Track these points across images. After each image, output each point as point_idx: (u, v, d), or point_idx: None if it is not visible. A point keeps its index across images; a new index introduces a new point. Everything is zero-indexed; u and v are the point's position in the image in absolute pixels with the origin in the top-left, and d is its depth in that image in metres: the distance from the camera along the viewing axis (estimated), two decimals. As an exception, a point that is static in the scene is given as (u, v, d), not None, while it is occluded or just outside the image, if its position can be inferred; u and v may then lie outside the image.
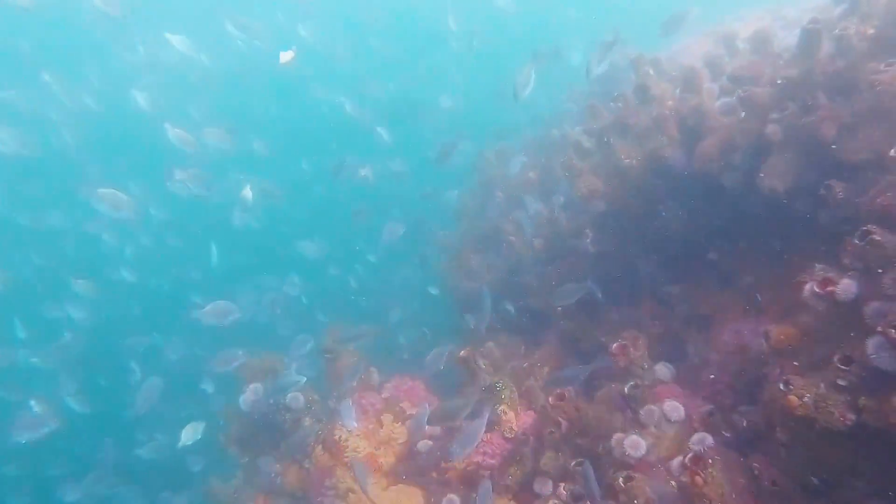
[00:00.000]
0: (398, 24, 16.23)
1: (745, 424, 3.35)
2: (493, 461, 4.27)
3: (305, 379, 5.03)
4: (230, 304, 5.87)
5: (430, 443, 4.82)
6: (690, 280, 5.18)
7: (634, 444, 3.67)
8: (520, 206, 6.48)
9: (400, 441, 4.74)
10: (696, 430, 3.70)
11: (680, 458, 3.35)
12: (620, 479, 3.41)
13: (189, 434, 6.27)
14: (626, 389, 3.91)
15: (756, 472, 3.06)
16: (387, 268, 11.64)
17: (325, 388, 5.45)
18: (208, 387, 8.74)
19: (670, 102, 4.21)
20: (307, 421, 5.19)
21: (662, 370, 4.43)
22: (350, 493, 4.52)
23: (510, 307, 6.22)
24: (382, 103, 13.14)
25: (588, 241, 5.93)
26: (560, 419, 4.04)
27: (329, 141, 14.51)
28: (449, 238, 8.22)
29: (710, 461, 3.07)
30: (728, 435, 3.57)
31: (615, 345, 4.25)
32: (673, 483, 3.39)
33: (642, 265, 5.53)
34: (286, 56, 7.30)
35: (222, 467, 5.37)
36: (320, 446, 5.10)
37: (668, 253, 5.17)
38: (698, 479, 3.02)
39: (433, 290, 7.95)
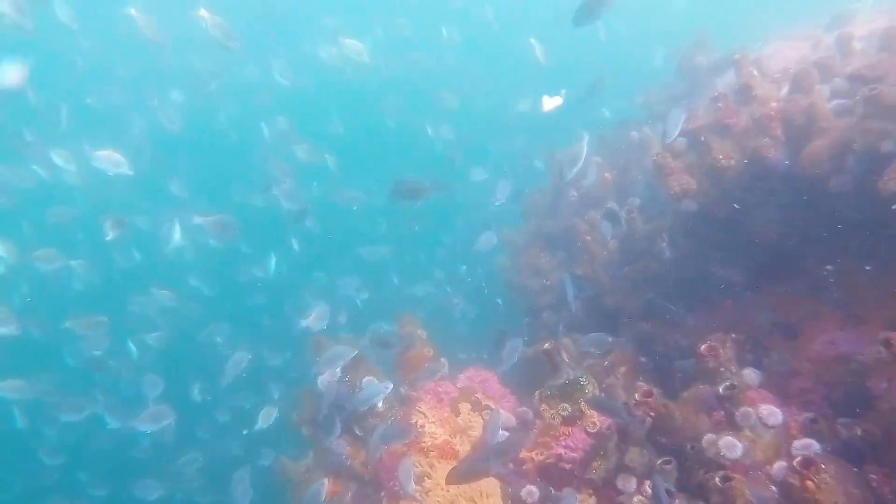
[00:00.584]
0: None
1: (859, 434, 3.24)
2: (574, 454, 4.24)
3: (392, 386, 5.04)
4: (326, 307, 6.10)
5: (506, 433, 4.82)
6: (776, 287, 5.07)
7: (730, 446, 3.60)
8: (596, 206, 6.44)
9: (476, 431, 4.74)
10: (794, 437, 3.61)
11: (783, 462, 3.27)
12: (717, 479, 3.35)
13: (265, 418, 6.40)
14: (721, 390, 3.83)
15: (874, 483, 2.97)
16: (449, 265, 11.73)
17: (397, 376, 5.50)
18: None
19: (775, 103, 4.13)
20: (381, 406, 5.23)
21: (750, 375, 4.34)
22: (426, 479, 4.54)
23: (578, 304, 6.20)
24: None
25: (664, 244, 5.87)
26: (646, 416, 3.99)
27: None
28: (514, 236, 8.20)
29: (822, 466, 2.99)
30: (831, 445, 3.47)
31: (704, 346, 4.18)
32: (773, 487, 3.31)
33: (723, 270, 5.45)
34: (552, 102, 7.10)
35: (294, 448, 5.44)
36: (393, 431, 5.16)
37: (755, 258, 5.07)
38: (810, 484, 2.95)
39: (499, 300, 8.02)
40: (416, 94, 13.76)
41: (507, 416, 5.00)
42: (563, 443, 4.31)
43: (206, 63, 13.26)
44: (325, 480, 5.48)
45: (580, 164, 5.06)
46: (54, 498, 9.65)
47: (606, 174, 6.78)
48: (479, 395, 5.08)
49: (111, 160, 6.92)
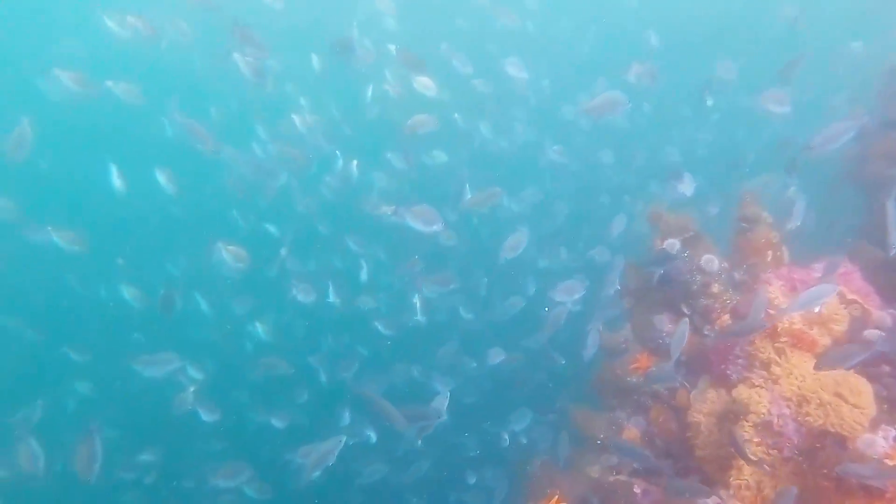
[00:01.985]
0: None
1: None
2: None
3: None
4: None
5: (881, 333, 4.14)
6: None
7: None
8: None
9: (840, 325, 4.14)
10: None
11: None
12: None
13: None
14: None
15: None
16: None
17: (735, 259, 5.04)
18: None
19: None
20: (716, 287, 4.88)
21: None
22: (773, 366, 4.14)
23: None
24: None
25: None
26: None
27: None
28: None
29: None
30: None
31: None
32: None
33: None
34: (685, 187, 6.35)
35: (614, 319, 5.41)
36: (728, 315, 4.80)
37: None
38: None
39: None
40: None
41: (879, 315, 4.28)
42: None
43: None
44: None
45: None
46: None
47: None
48: (842, 289, 4.40)
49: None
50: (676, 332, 4.58)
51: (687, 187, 6.07)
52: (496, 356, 7.48)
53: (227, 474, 7.53)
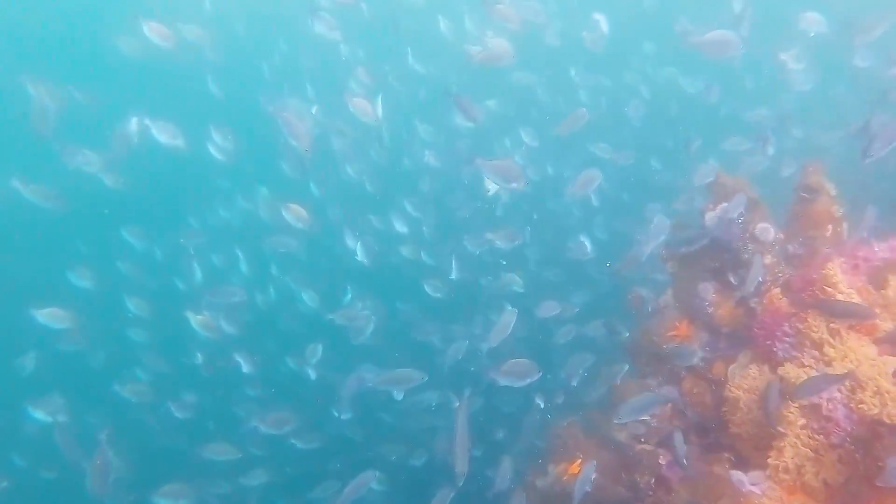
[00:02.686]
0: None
1: None
2: None
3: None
4: None
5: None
6: None
7: None
8: None
9: (907, 309, 3.87)
10: None
11: None
12: None
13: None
14: None
15: None
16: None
17: (792, 231, 4.73)
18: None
19: None
20: (768, 258, 4.60)
21: None
22: (827, 346, 3.90)
23: None
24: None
25: None
26: None
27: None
28: None
29: None
30: None
31: None
32: None
33: None
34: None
35: (652, 283, 5.15)
36: (779, 289, 4.53)
37: None
38: None
39: None
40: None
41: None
42: None
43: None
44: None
45: None
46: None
47: None
48: (911, 271, 4.10)
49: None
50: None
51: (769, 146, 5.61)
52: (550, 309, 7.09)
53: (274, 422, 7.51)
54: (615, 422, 4.53)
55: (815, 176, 4.71)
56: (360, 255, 8.59)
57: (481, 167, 4.82)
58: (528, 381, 5.23)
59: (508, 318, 5.93)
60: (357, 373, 7.29)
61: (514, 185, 4.76)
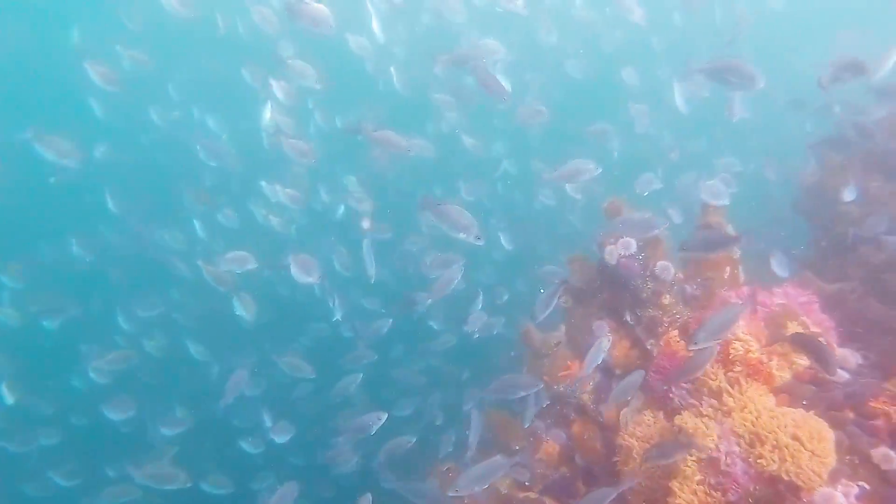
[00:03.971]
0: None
1: None
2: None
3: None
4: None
5: (846, 375, 3.76)
6: None
7: None
8: None
9: (803, 359, 3.72)
10: None
11: None
12: None
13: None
14: None
15: None
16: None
17: (690, 271, 4.56)
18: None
19: None
20: (667, 298, 4.38)
21: None
22: (725, 395, 3.67)
23: None
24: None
25: None
26: None
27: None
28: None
29: None
30: None
31: None
32: None
33: None
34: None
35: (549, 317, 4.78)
36: (676, 331, 4.31)
37: None
38: None
39: None
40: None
41: (842, 353, 3.91)
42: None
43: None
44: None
45: None
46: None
47: None
48: (804, 319, 4.01)
49: None
50: (593, 346, 4.15)
51: (649, 185, 5.46)
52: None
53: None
54: (451, 494, 3.97)
55: (715, 216, 4.60)
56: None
57: (431, 211, 4.24)
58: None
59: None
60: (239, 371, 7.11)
61: (463, 235, 4.20)
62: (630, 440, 4.07)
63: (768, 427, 3.41)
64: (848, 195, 5.05)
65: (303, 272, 6.20)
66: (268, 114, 8.88)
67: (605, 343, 4.21)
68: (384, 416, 5.22)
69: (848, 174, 5.79)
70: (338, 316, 7.69)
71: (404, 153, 5.49)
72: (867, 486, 3.26)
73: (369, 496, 4.56)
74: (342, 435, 6.32)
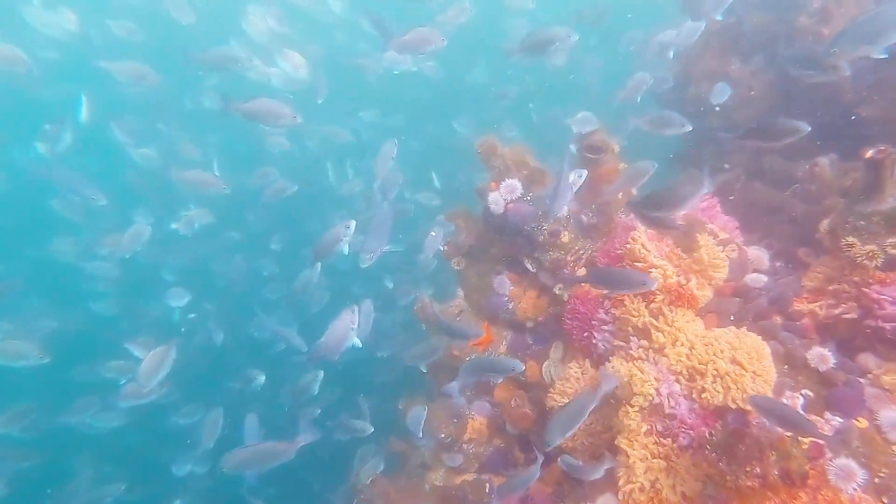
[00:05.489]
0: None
1: None
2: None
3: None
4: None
5: (765, 278, 3.53)
6: None
7: None
8: None
9: (721, 271, 3.43)
10: None
11: None
12: None
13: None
14: None
15: None
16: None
17: (583, 198, 4.13)
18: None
19: None
20: (565, 235, 3.94)
21: None
22: (655, 331, 3.33)
23: None
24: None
25: None
26: None
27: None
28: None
29: None
30: None
31: None
32: None
33: None
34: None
35: (441, 284, 4.22)
36: (583, 269, 3.91)
37: None
38: None
39: None
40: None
41: (755, 255, 3.69)
42: (879, 293, 3.00)
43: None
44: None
45: None
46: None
47: None
48: (713, 227, 3.72)
49: None
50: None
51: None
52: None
53: None
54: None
55: (598, 133, 4.16)
56: None
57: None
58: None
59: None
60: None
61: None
62: (561, 399, 3.70)
63: (705, 357, 3.11)
64: (718, 96, 4.81)
65: None
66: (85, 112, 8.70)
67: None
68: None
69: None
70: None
71: (292, 123, 4.61)
72: (811, 393, 3.07)
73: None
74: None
